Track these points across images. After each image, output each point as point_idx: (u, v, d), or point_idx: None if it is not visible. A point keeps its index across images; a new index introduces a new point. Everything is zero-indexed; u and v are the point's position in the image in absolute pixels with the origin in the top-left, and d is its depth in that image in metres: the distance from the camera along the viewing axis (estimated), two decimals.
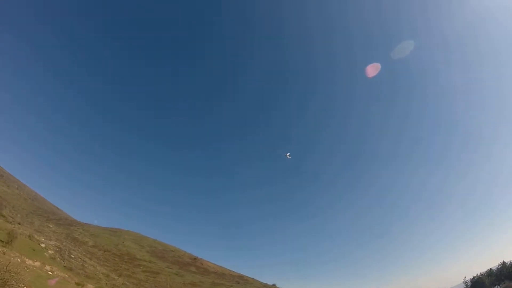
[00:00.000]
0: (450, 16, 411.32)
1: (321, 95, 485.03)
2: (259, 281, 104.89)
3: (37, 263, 34.41)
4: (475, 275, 75.20)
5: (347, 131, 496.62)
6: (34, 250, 40.29)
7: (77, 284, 36.11)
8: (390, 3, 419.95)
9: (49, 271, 36.82)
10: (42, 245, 48.41)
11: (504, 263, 72.52)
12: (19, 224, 53.22)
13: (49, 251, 46.93)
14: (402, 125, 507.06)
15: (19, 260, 30.43)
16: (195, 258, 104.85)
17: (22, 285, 20.74)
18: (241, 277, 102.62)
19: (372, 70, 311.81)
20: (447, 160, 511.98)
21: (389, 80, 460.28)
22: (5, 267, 19.61)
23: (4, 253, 29.61)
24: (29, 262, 32.56)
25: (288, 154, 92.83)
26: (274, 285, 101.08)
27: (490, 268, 75.93)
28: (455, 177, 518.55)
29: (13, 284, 19.47)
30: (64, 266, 43.97)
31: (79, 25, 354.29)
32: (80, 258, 54.71)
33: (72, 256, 53.31)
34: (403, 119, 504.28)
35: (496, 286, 71.81)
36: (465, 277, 78.31)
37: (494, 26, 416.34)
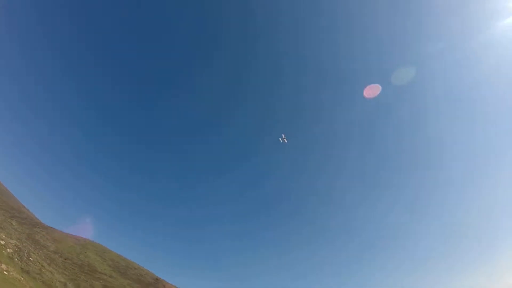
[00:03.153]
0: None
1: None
2: None
3: None
4: None
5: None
6: None
7: None
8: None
9: (5, 271, 34.70)
10: (2, 242, 45.81)
11: None
12: None
13: (8, 249, 44.42)
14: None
15: None
16: (157, 279, 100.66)
17: None
18: None
19: (371, 91, 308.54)
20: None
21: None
22: None
23: None
24: None
25: (283, 137, 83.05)
26: None
27: None
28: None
29: None
30: (21, 268, 41.57)
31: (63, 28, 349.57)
32: (39, 262, 51.83)
33: (30, 258, 50.48)
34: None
35: None
36: None
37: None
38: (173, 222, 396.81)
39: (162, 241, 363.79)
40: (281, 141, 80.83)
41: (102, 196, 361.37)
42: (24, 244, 54.61)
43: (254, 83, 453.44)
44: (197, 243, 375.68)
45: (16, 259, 42.88)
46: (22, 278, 35.84)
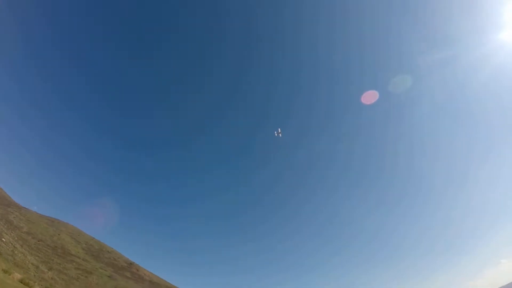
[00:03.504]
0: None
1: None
2: None
3: None
4: None
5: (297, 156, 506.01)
6: None
7: (4, 271, 34.81)
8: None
9: None
10: None
11: None
12: None
13: None
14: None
15: None
16: (131, 263, 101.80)
17: None
18: None
19: (369, 97, 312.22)
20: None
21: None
22: None
23: None
24: None
25: (279, 131, 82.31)
26: None
27: None
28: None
29: None
30: None
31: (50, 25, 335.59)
32: (11, 243, 52.13)
33: (3, 239, 50.74)
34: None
35: None
36: None
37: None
38: (151, 209, 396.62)
39: (139, 225, 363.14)
40: (276, 134, 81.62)
41: (79, 177, 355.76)
42: None
43: (250, 84, 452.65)
44: (175, 229, 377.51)
45: None
46: None
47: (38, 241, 69.76)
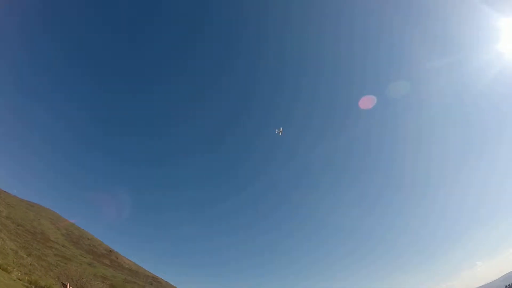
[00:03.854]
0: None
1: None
2: (172, 284, 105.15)
3: None
4: None
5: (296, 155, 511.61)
6: None
7: None
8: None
9: None
10: None
11: None
12: None
13: None
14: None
15: None
16: (110, 251, 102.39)
17: None
18: (155, 278, 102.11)
19: (366, 102, 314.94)
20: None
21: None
22: None
23: None
24: None
25: (280, 129, 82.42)
26: None
27: None
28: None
29: None
30: None
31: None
32: None
33: None
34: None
35: None
36: None
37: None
38: (133, 196, 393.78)
39: (119, 213, 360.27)
40: (277, 132, 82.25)
41: (61, 161, 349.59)
42: None
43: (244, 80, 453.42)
44: (155, 218, 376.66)
45: None
46: None
47: (18, 226, 69.66)
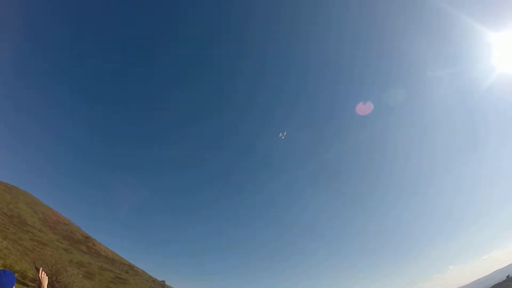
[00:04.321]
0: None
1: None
2: (148, 274, 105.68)
3: None
4: None
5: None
6: None
7: None
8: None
9: None
10: None
11: None
12: None
13: None
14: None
15: None
16: (88, 237, 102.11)
17: None
18: (131, 266, 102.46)
19: (364, 108, 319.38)
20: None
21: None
22: None
23: None
24: None
25: (284, 134, 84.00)
26: (163, 281, 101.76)
27: None
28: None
29: None
30: None
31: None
32: None
33: None
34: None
35: None
36: None
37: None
38: (109, 182, 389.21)
39: (98, 198, 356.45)
40: (281, 136, 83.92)
41: (41, 145, 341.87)
42: None
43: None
44: (134, 205, 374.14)
45: None
46: None
47: None
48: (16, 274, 33.57)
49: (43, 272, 5.65)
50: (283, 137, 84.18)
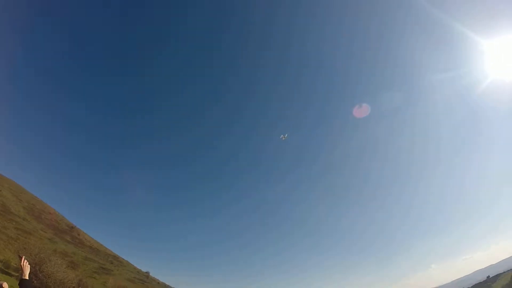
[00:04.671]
0: None
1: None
2: (133, 265, 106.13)
3: None
4: None
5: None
6: None
7: None
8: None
9: None
10: None
11: None
12: None
13: None
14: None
15: None
16: (72, 227, 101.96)
17: None
18: (115, 257, 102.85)
19: (361, 111, 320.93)
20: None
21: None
22: None
23: None
24: None
25: (285, 135, 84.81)
26: (147, 272, 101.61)
27: None
28: None
29: None
30: None
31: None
32: None
33: None
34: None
35: None
36: None
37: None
38: (97, 175, 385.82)
39: (83, 190, 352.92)
40: (282, 137, 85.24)
41: (26, 134, 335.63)
42: None
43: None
44: (120, 198, 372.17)
45: None
46: None
47: None
48: None
49: (25, 261, 5.56)
50: (283, 139, 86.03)
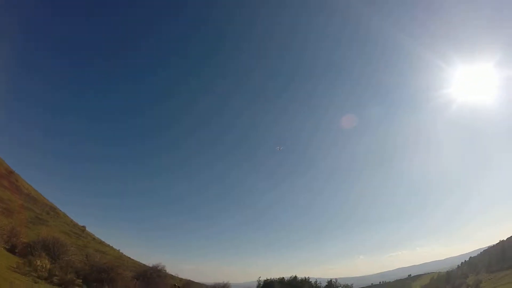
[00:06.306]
0: None
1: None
2: (70, 218, 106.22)
3: None
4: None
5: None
6: None
7: None
8: None
9: None
10: None
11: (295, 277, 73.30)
12: None
13: None
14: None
15: None
16: (12, 172, 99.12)
17: None
18: (53, 208, 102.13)
19: (348, 121, 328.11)
20: None
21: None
22: None
23: None
24: None
25: (280, 147, 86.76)
26: (84, 226, 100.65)
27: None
28: None
29: None
30: None
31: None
32: None
33: None
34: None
35: None
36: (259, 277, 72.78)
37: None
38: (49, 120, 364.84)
39: (31, 135, 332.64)
40: (278, 148, 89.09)
41: None
42: None
43: None
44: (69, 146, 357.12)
45: None
46: None
47: None
48: None
49: None
50: (279, 150, 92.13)
